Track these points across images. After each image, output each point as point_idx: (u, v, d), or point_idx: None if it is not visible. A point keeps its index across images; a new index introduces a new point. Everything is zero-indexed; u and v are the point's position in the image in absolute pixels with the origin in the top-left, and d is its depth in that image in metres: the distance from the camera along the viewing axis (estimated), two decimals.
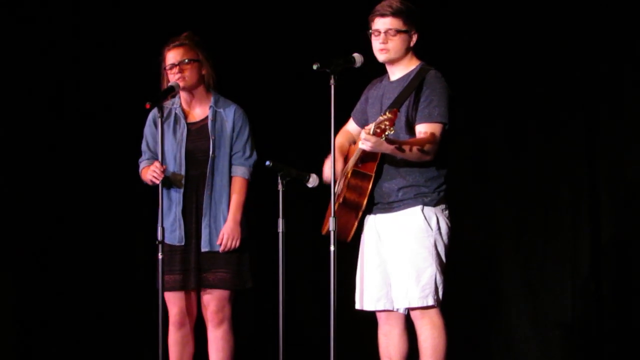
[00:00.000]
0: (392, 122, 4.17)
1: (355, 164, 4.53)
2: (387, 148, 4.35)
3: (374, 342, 4.74)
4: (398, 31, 4.56)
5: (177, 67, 5.13)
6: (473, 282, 6.25)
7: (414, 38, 4.62)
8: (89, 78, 6.45)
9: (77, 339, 6.44)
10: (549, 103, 6.18)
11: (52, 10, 6.37)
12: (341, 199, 4.56)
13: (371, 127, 4.25)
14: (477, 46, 6.24)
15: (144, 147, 5.31)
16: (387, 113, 4.20)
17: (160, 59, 5.20)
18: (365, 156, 4.51)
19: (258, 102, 6.01)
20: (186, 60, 5.14)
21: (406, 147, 4.40)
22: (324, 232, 4.65)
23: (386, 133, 4.19)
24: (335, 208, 4.53)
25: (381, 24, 4.57)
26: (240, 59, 6.38)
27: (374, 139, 4.25)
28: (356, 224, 4.63)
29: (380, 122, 4.20)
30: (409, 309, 4.60)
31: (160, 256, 4.94)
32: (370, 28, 4.61)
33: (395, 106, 4.41)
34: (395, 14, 4.55)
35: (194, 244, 5.14)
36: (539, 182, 6.22)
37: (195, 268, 5.12)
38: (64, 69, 6.41)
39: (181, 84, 5.12)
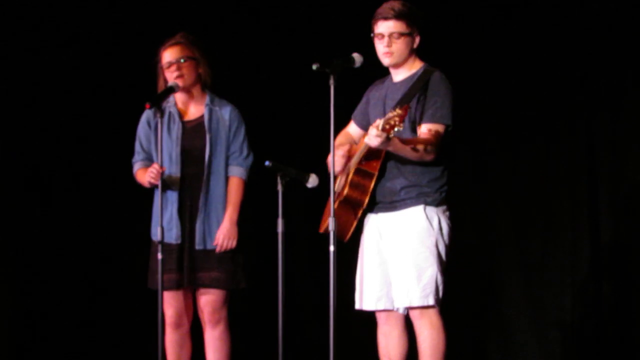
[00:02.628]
0: (402, 119, 4.16)
1: (359, 162, 4.53)
2: (393, 145, 4.34)
3: (374, 342, 4.74)
4: (402, 34, 4.56)
5: (175, 65, 5.12)
6: (473, 282, 6.25)
7: (417, 40, 4.62)
8: (87, 78, 6.44)
9: (76, 339, 6.43)
10: (549, 103, 6.19)
11: (51, 10, 6.38)
12: (342, 196, 4.55)
13: (380, 122, 4.23)
14: (476, 47, 6.24)
15: (137, 147, 5.29)
16: (397, 109, 4.19)
17: (157, 59, 5.19)
18: (369, 154, 4.50)
19: (258, 102, 6.03)
20: (184, 59, 5.13)
21: (410, 147, 4.41)
22: (321, 230, 4.65)
23: (395, 129, 4.18)
24: (335, 206, 4.53)
25: (384, 27, 4.56)
26: (241, 59, 6.38)
27: (383, 134, 4.23)
28: (355, 223, 4.64)
29: (390, 118, 4.19)
30: (408, 309, 4.61)
31: (160, 256, 4.93)
32: (372, 31, 4.61)
33: (404, 103, 4.41)
34: (398, 16, 4.55)
35: (188, 243, 5.13)
36: (539, 183, 6.22)
37: (189, 267, 5.11)
38: (63, 69, 6.41)
39: (180, 84, 5.12)
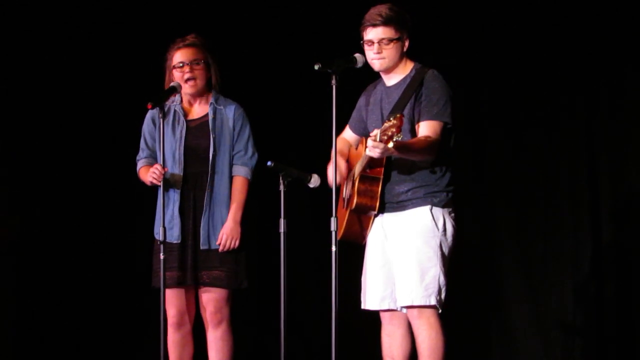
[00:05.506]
0: (399, 129, 4.12)
1: (363, 170, 4.53)
2: (394, 152, 4.33)
3: (376, 342, 4.74)
4: (391, 40, 4.55)
5: (188, 67, 5.12)
6: (473, 283, 6.25)
7: (407, 43, 4.61)
8: (89, 77, 6.44)
9: (78, 340, 6.43)
10: (549, 103, 6.19)
11: (53, 9, 6.37)
12: (353, 206, 4.56)
13: (377, 133, 4.20)
14: (476, 47, 6.24)
15: (142, 145, 5.29)
16: (391, 119, 4.15)
17: (166, 57, 5.18)
18: (372, 161, 4.50)
19: (259, 103, 6.02)
20: (197, 61, 5.12)
21: (411, 148, 4.40)
22: (339, 237, 4.61)
23: (394, 139, 4.13)
24: (347, 215, 4.59)
25: (373, 34, 4.55)
26: (242, 59, 6.37)
27: (380, 145, 4.20)
28: (370, 227, 4.67)
29: (387, 129, 4.14)
30: (407, 309, 4.61)
31: (162, 256, 4.93)
32: (362, 38, 4.60)
33: (398, 111, 4.39)
34: (386, 22, 4.53)
35: (191, 242, 5.12)
36: (539, 183, 6.23)
37: (192, 266, 5.11)
38: (65, 69, 6.41)
39: (191, 86, 5.10)
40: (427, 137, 4.45)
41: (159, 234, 5.01)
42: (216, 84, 5.22)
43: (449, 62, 5.14)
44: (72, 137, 6.45)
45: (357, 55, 4.49)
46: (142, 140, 5.28)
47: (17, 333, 6.36)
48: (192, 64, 5.12)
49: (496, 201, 6.35)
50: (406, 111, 4.50)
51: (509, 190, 6.31)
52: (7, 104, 6.31)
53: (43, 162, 6.39)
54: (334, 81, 4.38)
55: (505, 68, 6.21)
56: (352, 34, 4.78)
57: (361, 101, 4.84)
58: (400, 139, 4.15)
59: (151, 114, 5.24)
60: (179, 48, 5.15)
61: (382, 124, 4.21)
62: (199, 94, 5.19)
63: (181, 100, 5.23)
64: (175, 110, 5.20)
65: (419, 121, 4.52)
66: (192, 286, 5.16)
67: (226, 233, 5.12)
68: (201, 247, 5.12)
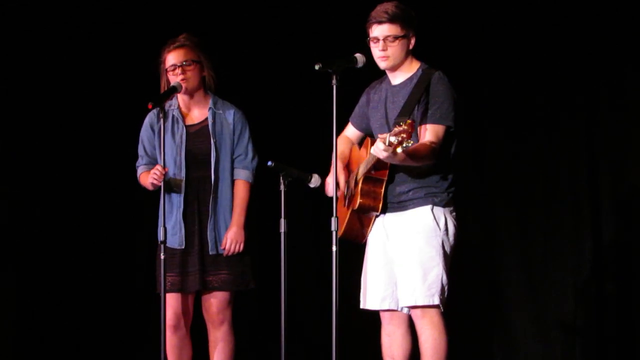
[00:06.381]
0: (410, 135, 4.09)
1: (368, 171, 4.53)
2: (400, 159, 4.33)
3: (376, 342, 4.74)
4: (397, 37, 4.54)
5: (180, 68, 5.11)
6: (473, 283, 6.25)
7: (413, 41, 4.60)
8: (90, 77, 6.43)
9: (76, 340, 6.43)
10: (549, 103, 6.19)
11: (52, 9, 6.37)
12: (356, 206, 4.56)
13: (386, 137, 4.17)
14: (476, 47, 6.24)
15: (140, 151, 5.27)
16: (402, 124, 4.10)
17: (160, 60, 5.18)
18: (378, 163, 4.50)
19: (260, 103, 6.03)
20: (188, 62, 5.12)
21: (415, 155, 4.40)
22: (340, 234, 4.62)
23: (403, 145, 4.12)
24: (348, 214, 4.61)
25: (379, 31, 4.55)
26: (242, 59, 6.38)
27: (389, 149, 4.17)
28: (371, 227, 4.68)
29: (397, 134, 4.11)
30: (410, 309, 4.61)
31: (162, 257, 4.92)
32: (368, 35, 4.60)
33: (406, 115, 4.37)
34: (392, 20, 4.53)
35: (197, 247, 5.12)
36: (540, 183, 6.23)
37: (199, 270, 5.11)
38: (65, 69, 6.41)
39: (184, 86, 5.10)
40: (427, 142, 4.46)
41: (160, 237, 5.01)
42: (210, 81, 5.20)
43: (449, 62, 5.13)
44: (72, 138, 6.44)
45: (357, 55, 4.48)
46: (140, 147, 5.26)
47: (17, 333, 6.36)
48: (183, 65, 5.11)
49: (496, 201, 6.35)
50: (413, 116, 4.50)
51: (509, 190, 6.30)
52: (7, 104, 6.30)
53: (43, 162, 6.38)
54: (334, 81, 4.37)
55: (505, 68, 6.21)
56: (352, 34, 4.78)
57: (364, 97, 4.83)
58: (410, 145, 4.13)
59: (149, 119, 5.23)
60: (170, 50, 5.14)
61: (389, 125, 4.22)
62: (192, 93, 5.17)
63: (179, 105, 5.22)
64: (173, 115, 5.19)
65: (420, 123, 4.51)
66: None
67: (230, 237, 5.12)
68: (210, 253, 5.11)
